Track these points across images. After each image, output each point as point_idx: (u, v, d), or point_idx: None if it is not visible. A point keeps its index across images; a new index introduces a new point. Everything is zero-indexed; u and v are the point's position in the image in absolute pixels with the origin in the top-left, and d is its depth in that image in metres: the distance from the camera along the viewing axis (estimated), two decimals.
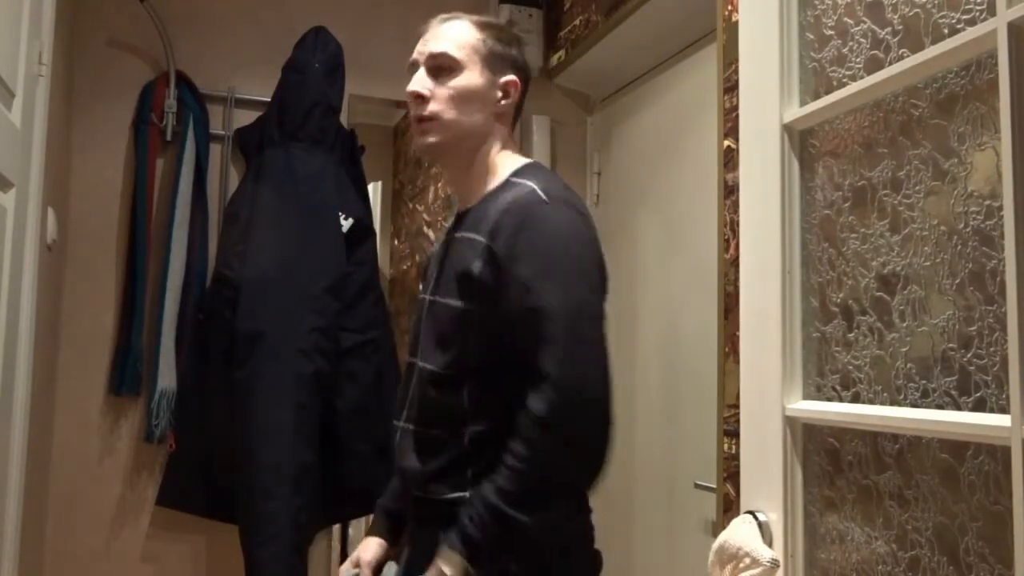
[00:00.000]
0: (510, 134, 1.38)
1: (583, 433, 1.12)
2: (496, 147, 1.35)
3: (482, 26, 1.34)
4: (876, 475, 1.17)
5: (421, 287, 1.43)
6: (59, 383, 2.23)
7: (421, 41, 1.34)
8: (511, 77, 1.34)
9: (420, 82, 1.31)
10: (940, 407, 1.06)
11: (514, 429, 1.13)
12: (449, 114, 1.30)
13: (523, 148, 2.64)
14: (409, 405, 1.31)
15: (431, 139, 1.31)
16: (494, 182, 1.32)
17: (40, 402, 1.93)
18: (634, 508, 2.33)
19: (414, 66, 1.34)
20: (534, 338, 1.13)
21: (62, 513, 2.21)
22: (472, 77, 1.30)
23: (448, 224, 1.43)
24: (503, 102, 1.34)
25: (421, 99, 1.30)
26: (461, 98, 1.30)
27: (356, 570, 1.40)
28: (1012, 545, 0.93)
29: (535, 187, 1.24)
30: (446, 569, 1.13)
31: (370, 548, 1.43)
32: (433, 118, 1.30)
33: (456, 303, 1.23)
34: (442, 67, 1.30)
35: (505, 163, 1.34)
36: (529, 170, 1.32)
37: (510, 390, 1.17)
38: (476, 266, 1.21)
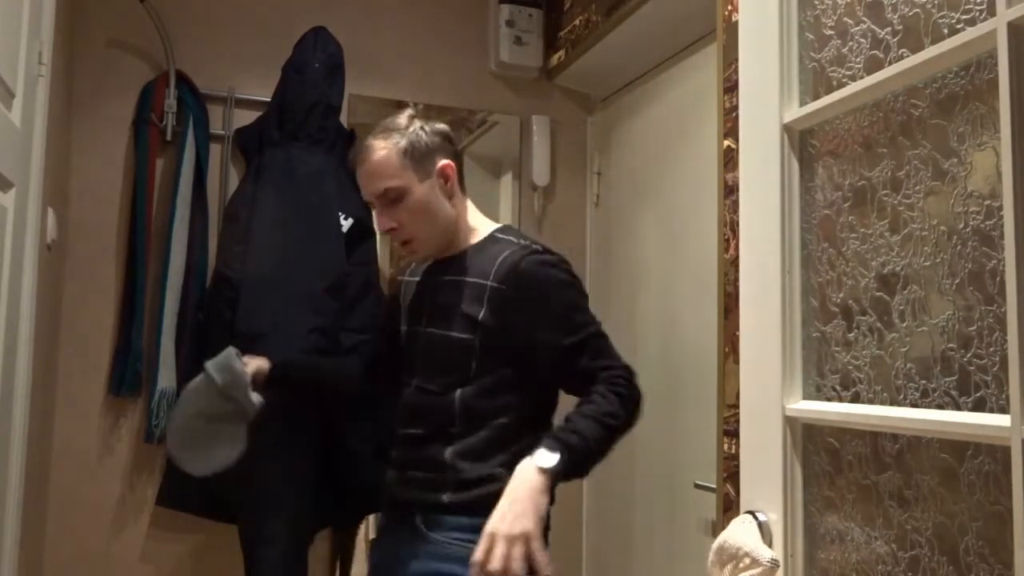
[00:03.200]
0: (464, 196, 1.60)
1: (638, 398, 1.45)
2: (464, 216, 1.58)
3: (391, 136, 1.52)
4: (876, 475, 1.17)
5: (404, 316, 1.65)
6: (59, 383, 2.23)
7: (361, 183, 1.55)
8: (442, 162, 1.54)
9: (384, 220, 1.53)
10: (940, 407, 1.06)
11: (597, 386, 1.42)
12: (420, 229, 1.53)
13: (523, 148, 2.66)
14: (415, 415, 1.54)
15: (422, 254, 1.57)
16: (474, 238, 1.57)
17: (40, 402, 1.93)
18: (634, 508, 2.33)
19: (373, 205, 1.56)
20: (588, 352, 1.45)
21: (62, 513, 2.21)
22: (417, 191, 1.51)
23: (416, 266, 1.67)
24: (448, 184, 1.55)
25: (393, 231, 1.53)
26: (420, 212, 1.52)
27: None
28: (1012, 545, 0.93)
29: (527, 243, 1.53)
30: (543, 463, 1.31)
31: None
32: (411, 239, 1.54)
33: (460, 335, 1.48)
34: (391, 199, 1.51)
35: (479, 223, 1.60)
36: (509, 230, 1.60)
37: (498, 398, 1.49)
38: (480, 309, 1.47)
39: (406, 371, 1.59)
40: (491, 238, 1.56)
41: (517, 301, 1.46)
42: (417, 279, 1.64)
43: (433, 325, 1.54)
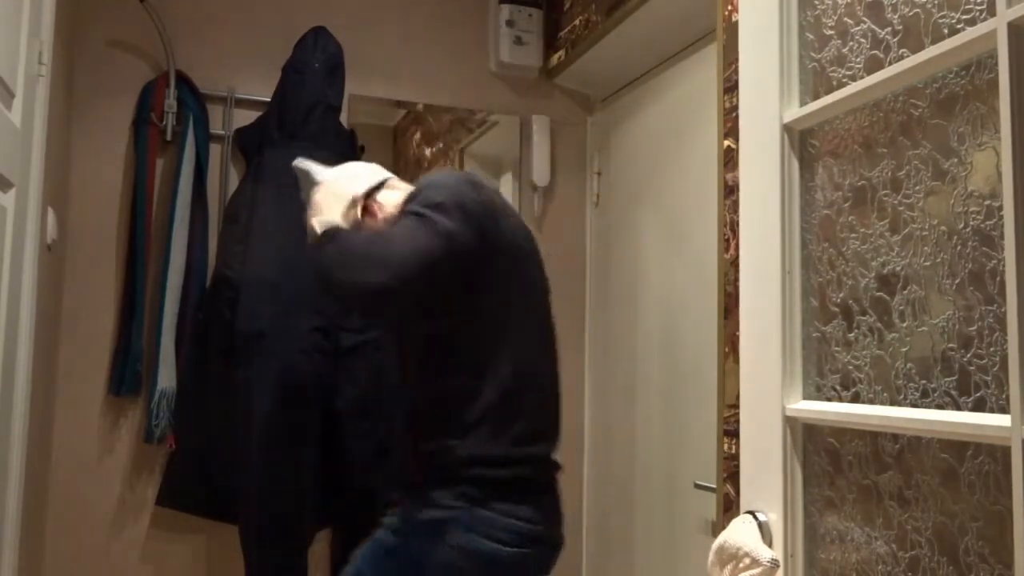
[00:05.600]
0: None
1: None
2: None
3: None
4: (876, 475, 1.17)
5: None
6: (59, 383, 2.23)
7: None
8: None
9: None
10: (940, 407, 1.06)
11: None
12: None
13: (523, 148, 2.66)
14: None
15: None
16: None
17: (40, 402, 1.93)
18: (634, 508, 2.33)
19: None
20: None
21: (62, 513, 2.21)
22: None
23: None
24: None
25: None
26: None
27: None
28: (1012, 545, 0.93)
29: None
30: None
31: None
32: None
33: None
34: None
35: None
36: None
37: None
38: None
39: None
40: None
41: None
42: None
43: None
